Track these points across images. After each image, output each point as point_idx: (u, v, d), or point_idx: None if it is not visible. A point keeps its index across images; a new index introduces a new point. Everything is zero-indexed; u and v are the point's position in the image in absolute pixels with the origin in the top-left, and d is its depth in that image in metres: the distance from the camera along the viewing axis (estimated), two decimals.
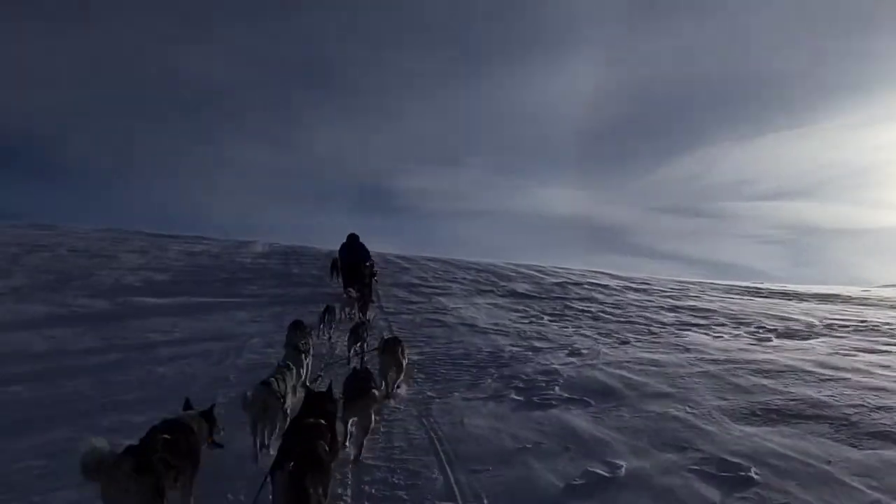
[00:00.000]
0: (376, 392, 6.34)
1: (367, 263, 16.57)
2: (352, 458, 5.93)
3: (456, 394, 8.41)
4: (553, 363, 9.95)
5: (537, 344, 11.75)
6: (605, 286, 21.70)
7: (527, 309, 16.59)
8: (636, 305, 17.50)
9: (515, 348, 11.37)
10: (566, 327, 13.81)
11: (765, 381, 8.17)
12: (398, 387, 8.47)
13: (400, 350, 8.64)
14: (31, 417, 7.52)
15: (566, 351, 11.02)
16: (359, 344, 10.45)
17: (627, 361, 9.83)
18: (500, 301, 17.88)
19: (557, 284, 21.47)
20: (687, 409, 7.18)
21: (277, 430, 6.01)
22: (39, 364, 10.01)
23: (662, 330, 13.41)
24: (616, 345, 11.58)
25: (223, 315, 14.26)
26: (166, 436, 4.37)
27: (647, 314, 15.77)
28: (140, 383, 9.12)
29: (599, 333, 12.93)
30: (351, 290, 15.37)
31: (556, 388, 8.38)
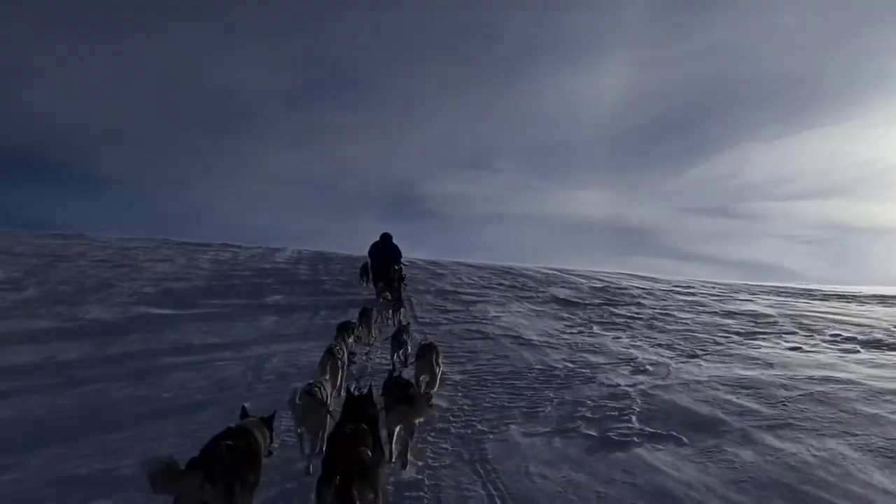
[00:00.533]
0: (417, 395, 6.09)
1: (397, 267, 16.17)
2: (393, 458, 5.74)
3: (512, 426, 6.96)
4: (619, 383, 8.48)
5: (593, 359, 10.26)
6: (649, 290, 20.06)
7: (571, 316, 15.08)
8: (687, 311, 15.88)
9: (570, 364, 9.90)
10: (619, 337, 12.28)
11: (889, 408, 6.58)
12: (431, 400, 7.40)
13: (434, 357, 8.29)
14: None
15: (629, 367, 9.54)
16: (401, 350, 9.98)
17: (706, 380, 8.32)
18: (542, 308, 16.37)
19: (598, 289, 19.89)
20: (810, 449, 5.63)
21: (321, 436, 5.85)
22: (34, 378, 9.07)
23: (728, 340, 11.84)
24: (684, 359, 10.05)
25: (246, 326, 12.99)
26: (229, 442, 4.24)
27: (704, 321, 14.18)
28: (140, 400, 7.90)
29: (659, 345, 11.39)
30: (387, 293, 14.88)
31: (633, 417, 6.93)
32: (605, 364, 9.81)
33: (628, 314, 15.30)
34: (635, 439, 6.22)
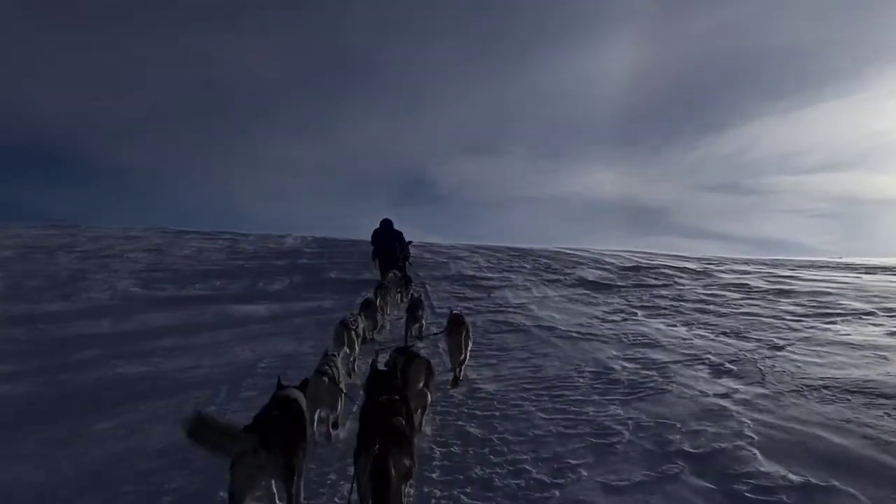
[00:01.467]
0: (423, 362, 5.76)
1: (401, 247, 15.67)
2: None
3: (583, 472, 4.68)
4: (706, 391, 6.31)
5: (655, 355, 8.07)
6: (682, 269, 17.79)
7: (608, 301, 12.87)
8: (734, 291, 13.67)
9: (629, 364, 7.70)
10: (674, 325, 10.07)
11: None
12: (461, 373, 7.44)
13: (464, 332, 7.50)
14: None
15: (705, 366, 7.38)
16: (416, 325, 9.84)
17: (821, 384, 6.13)
18: (573, 292, 14.15)
19: (628, 269, 17.64)
20: None
21: (339, 412, 5.80)
22: None
23: (800, 324, 9.68)
24: (767, 351, 7.86)
25: (227, 332, 10.81)
26: (277, 412, 4.12)
27: (761, 303, 11.97)
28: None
29: (724, 333, 9.20)
30: (395, 271, 14.23)
31: (755, 452, 4.71)
32: (673, 363, 7.60)
33: (672, 297, 13.09)
34: (783, 498, 3.97)
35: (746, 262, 20.36)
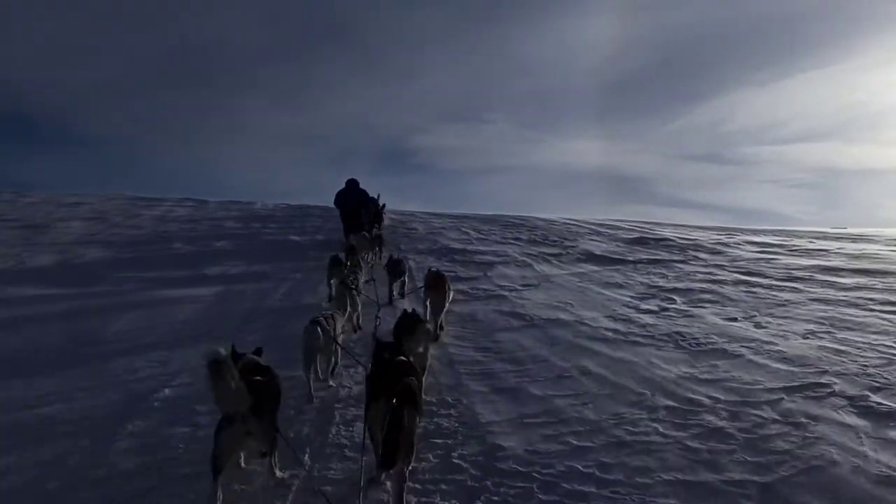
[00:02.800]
0: (429, 327, 5.37)
1: (366, 209, 13.78)
2: None
3: None
4: (865, 452, 3.54)
5: (745, 374, 5.36)
6: (692, 240, 15.10)
7: (628, 280, 10.14)
8: (768, 265, 11.13)
9: (718, 394, 4.93)
10: (732, 318, 7.42)
11: None
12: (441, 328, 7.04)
13: (446, 285, 7.20)
14: None
15: (841, 399, 4.59)
16: (400, 282, 9.07)
17: None
18: (582, 269, 11.36)
19: (634, 241, 14.87)
20: None
21: (332, 365, 5.70)
22: None
23: (885, 309, 7.07)
24: (882, 359, 5.12)
25: (147, 316, 7.83)
26: (259, 378, 3.84)
27: (812, 279, 9.53)
28: None
29: (814, 334, 6.53)
30: (363, 233, 12.56)
31: None
32: (785, 391, 4.85)
33: (701, 276, 10.40)
34: None
35: (754, 233, 17.74)
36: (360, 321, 7.42)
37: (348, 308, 7.04)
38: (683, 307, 8.13)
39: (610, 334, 6.80)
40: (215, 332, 7.27)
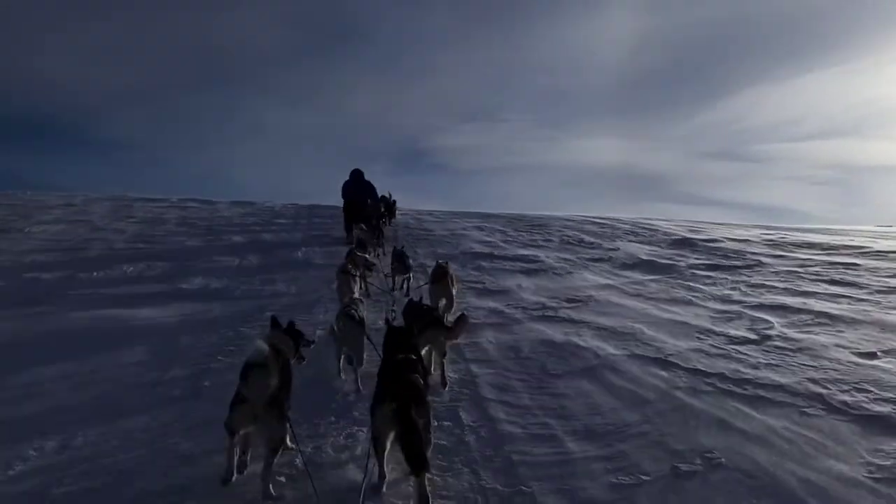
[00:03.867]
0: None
1: (373, 201, 12.82)
2: (440, 383, 4.95)
3: None
4: None
5: None
6: (745, 242, 12.91)
7: (694, 294, 8.07)
8: (856, 274, 8.96)
9: None
10: (870, 354, 5.25)
11: None
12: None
13: (450, 279, 6.84)
14: None
15: None
16: (405, 275, 8.36)
17: None
18: (634, 278, 9.25)
19: (680, 242, 12.70)
20: None
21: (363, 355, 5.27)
22: None
23: None
24: None
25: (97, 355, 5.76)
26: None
27: None
28: None
29: None
30: (361, 225, 11.32)
31: None
32: None
33: (785, 285, 8.31)
34: None
35: (801, 232, 15.49)
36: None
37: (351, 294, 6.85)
38: (788, 333, 5.98)
39: (715, 382, 4.66)
40: (171, 379, 5.24)
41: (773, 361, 5.08)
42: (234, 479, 3.45)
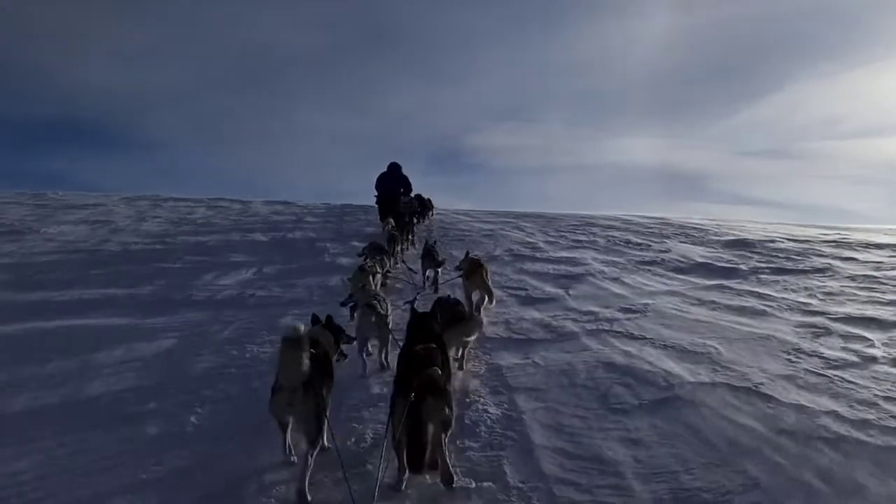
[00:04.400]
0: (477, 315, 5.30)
1: (405, 200, 12.27)
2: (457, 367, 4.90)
3: None
4: None
5: None
6: (807, 242, 11.72)
7: (767, 303, 7.04)
8: None
9: None
10: None
11: None
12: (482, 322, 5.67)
13: (484, 271, 6.75)
14: None
15: None
16: (434, 268, 7.98)
17: None
18: (693, 283, 8.24)
19: (736, 244, 11.56)
20: None
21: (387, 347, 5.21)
22: None
23: None
24: None
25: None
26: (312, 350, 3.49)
27: None
28: None
29: None
30: (391, 221, 10.78)
31: None
32: None
33: (867, 293, 7.32)
34: None
35: (863, 231, 14.14)
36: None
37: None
38: (883, 351, 4.95)
39: (829, 423, 3.66)
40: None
41: (892, 393, 4.07)
42: (293, 458, 3.47)
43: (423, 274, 8.20)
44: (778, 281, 8.42)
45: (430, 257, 8.00)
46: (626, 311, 6.67)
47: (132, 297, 7.45)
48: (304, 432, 3.27)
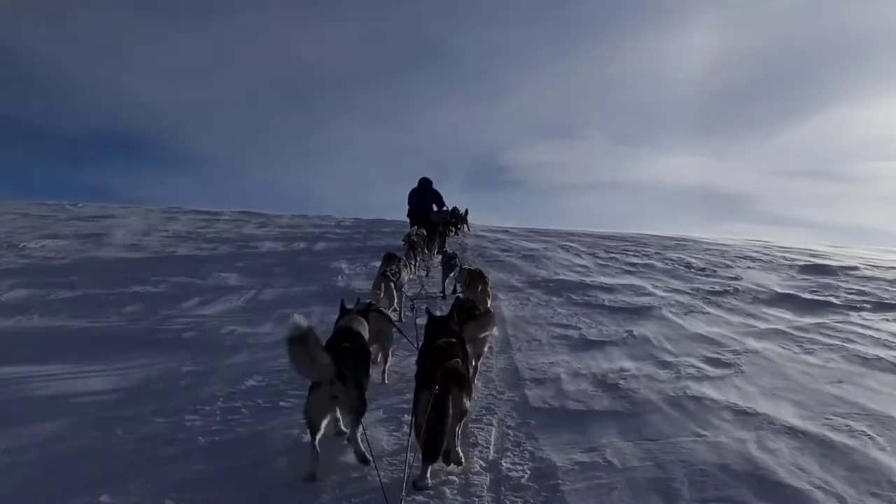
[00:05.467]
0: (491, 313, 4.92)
1: (438, 210, 11.65)
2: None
3: None
4: None
5: None
6: (893, 269, 9.81)
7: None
8: None
9: None
10: None
11: None
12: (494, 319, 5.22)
13: (483, 286, 6.49)
14: None
15: None
16: (452, 274, 7.84)
17: None
18: (785, 318, 6.52)
19: (811, 269, 9.73)
20: None
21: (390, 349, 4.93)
22: None
23: None
24: None
25: None
26: (347, 344, 3.57)
27: None
28: None
29: None
30: (421, 229, 10.49)
31: None
32: None
33: None
34: None
35: None
36: (403, 312, 6.73)
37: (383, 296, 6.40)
38: None
39: None
40: None
41: None
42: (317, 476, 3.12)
43: (443, 281, 8.01)
44: (888, 318, 6.61)
45: (450, 265, 7.94)
46: (714, 362, 4.96)
47: (83, 332, 5.96)
48: (349, 412, 3.23)
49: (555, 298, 7.50)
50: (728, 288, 8.15)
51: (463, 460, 3.20)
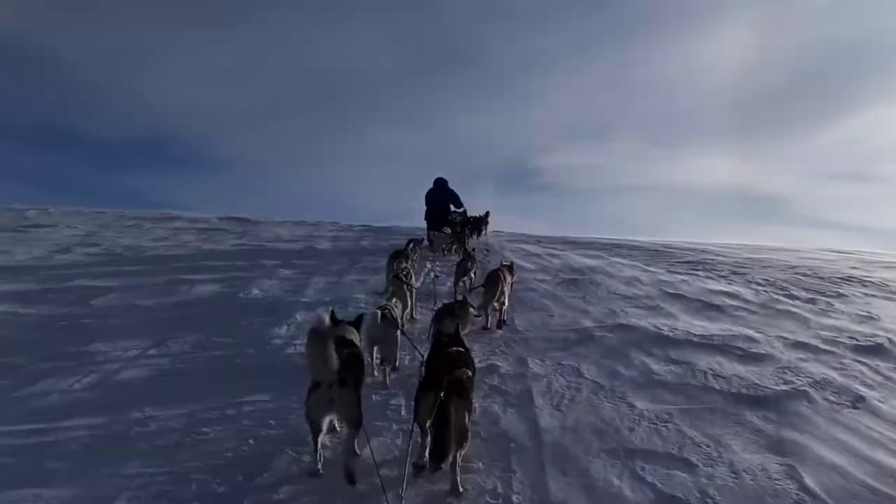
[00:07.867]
0: (474, 311, 4.94)
1: (456, 210, 10.72)
2: None
3: None
4: None
5: None
6: None
7: None
8: None
9: None
10: None
11: None
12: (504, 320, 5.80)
13: (501, 283, 5.82)
14: None
15: None
16: (465, 277, 7.25)
17: None
18: None
19: None
20: None
21: (397, 354, 4.70)
22: None
23: None
24: None
25: None
26: (348, 350, 3.44)
27: None
28: None
29: None
30: (445, 228, 10.11)
31: None
32: None
33: None
34: None
35: None
36: (415, 313, 6.23)
37: (396, 300, 5.68)
38: None
39: None
40: None
41: None
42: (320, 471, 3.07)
43: (455, 284, 7.19)
44: None
45: (462, 268, 7.32)
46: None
47: None
48: (346, 419, 3.08)
49: (623, 372, 4.53)
50: (871, 340, 5.11)
51: (461, 490, 2.96)
